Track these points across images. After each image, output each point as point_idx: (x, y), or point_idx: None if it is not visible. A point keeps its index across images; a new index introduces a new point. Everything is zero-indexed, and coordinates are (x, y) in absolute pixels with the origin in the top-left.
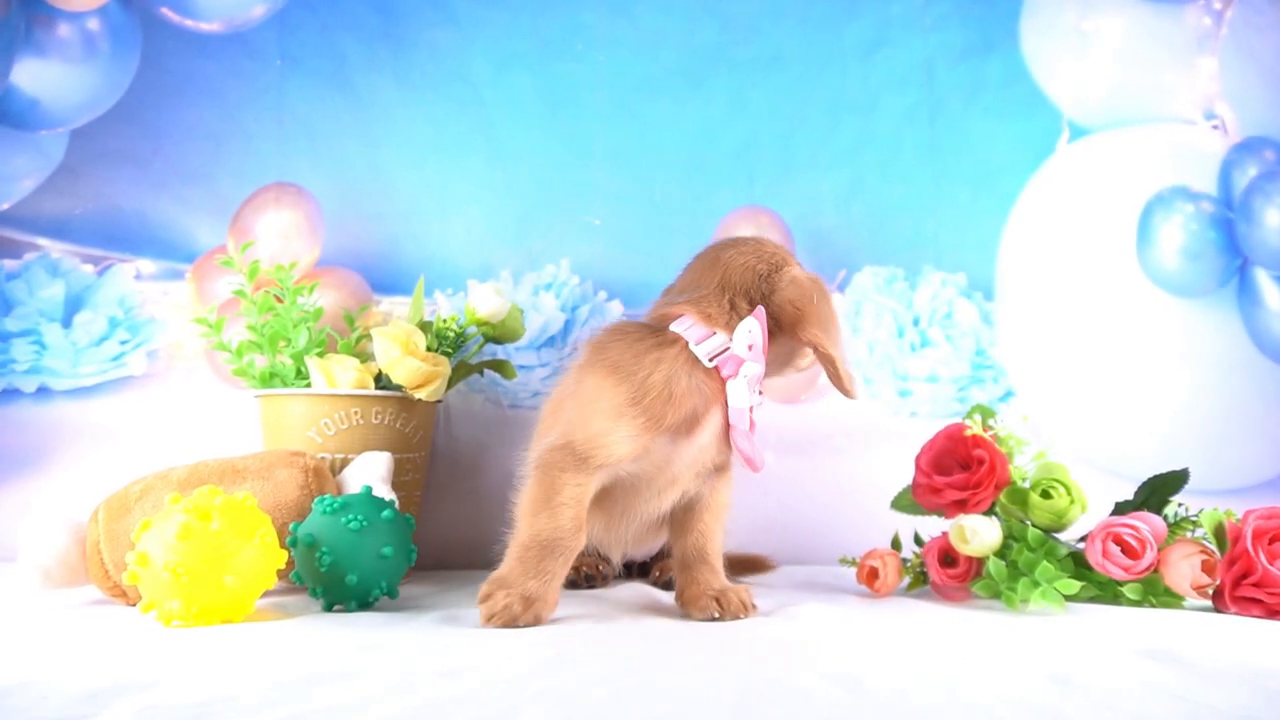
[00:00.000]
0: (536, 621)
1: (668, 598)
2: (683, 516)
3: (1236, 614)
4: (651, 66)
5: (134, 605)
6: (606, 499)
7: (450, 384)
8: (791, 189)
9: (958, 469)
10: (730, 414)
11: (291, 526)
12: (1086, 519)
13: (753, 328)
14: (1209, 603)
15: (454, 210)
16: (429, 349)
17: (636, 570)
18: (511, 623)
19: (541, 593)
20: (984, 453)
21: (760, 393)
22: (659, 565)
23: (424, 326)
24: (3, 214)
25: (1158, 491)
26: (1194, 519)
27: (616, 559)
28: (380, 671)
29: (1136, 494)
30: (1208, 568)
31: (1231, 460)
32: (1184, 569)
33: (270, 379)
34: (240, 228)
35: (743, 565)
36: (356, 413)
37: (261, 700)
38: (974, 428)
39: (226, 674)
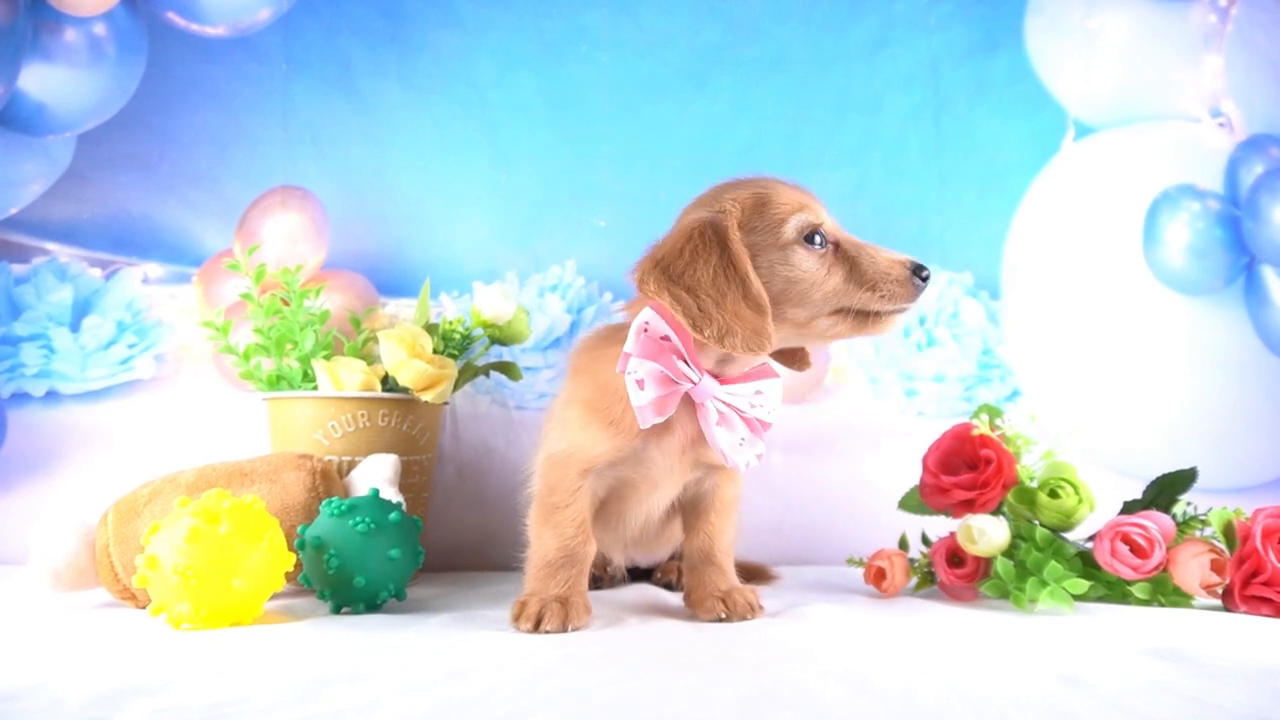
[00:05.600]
0: (567, 622)
1: (673, 598)
2: (692, 516)
3: (1246, 613)
4: (656, 68)
5: (143, 608)
6: (602, 506)
7: (456, 386)
8: None
9: (965, 469)
10: (699, 407)
11: (299, 529)
12: (1095, 518)
13: (650, 317)
14: (1218, 602)
15: (459, 212)
16: (435, 351)
17: (642, 573)
18: (542, 621)
19: (568, 597)
20: (991, 452)
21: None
22: (661, 567)
23: (430, 329)
24: (11, 219)
25: (1166, 490)
26: (1203, 518)
27: (618, 561)
28: (390, 673)
29: (1145, 493)
30: (1217, 566)
31: (1239, 458)
32: (1193, 568)
33: (277, 382)
34: (247, 231)
35: (742, 574)
36: (363, 415)
37: (272, 702)
38: (981, 427)
39: (236, 676)
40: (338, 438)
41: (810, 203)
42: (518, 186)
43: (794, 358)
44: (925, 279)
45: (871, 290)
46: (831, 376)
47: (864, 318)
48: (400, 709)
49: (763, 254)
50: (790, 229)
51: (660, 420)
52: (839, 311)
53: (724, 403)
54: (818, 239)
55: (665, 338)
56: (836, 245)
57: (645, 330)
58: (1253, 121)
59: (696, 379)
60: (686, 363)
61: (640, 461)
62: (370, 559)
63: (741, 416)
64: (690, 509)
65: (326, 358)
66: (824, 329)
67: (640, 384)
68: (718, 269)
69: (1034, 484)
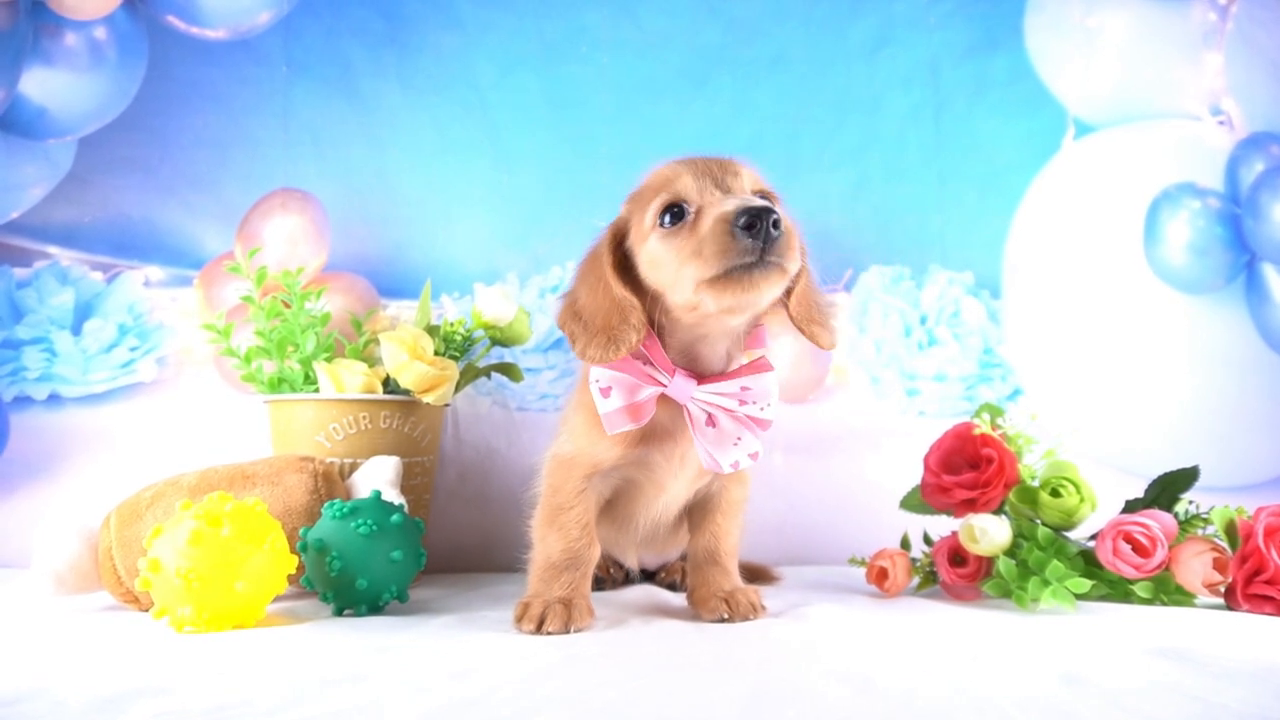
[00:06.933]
0: (569, 624)
1: (676, 599)
2: (698, 515)
3: (1249, 611)
4: (656, 68)
5: (146, 611)
6: (611, 507)
7: (458, 388)
8: (797, 189)
9: (966, 468)
10: (685, 410)
11: (301, 531)
12: (1096, 517)
13: None
14: (1221, 600)
15: (460, 214)
16: (436, 353)
17: (647, 574)
18: (545, 623)
19: (571, 598)
20: (993, 451)
21: (744, 395)
22: (665, 567)
23: (431, 330)
24: (12, 223)
25: (1168, 489)
26: (1205, 516)
27: (630, 563)
28: (392, 674)
29: (1147, 491)
30: (1219, 565)
31: (1241, 456)
32: (1195, 566)
33: (278, 384)
34: (247, 233)
35: (745, 575)
36: (365, 417)
37: (275, 704)
38: (982, 426)
39: (239, 679)
40: (339, 440)
41: (678, 175)
42: (518, 187)
43: (813, 335)
44: (749, 225)
45: (698, 256)
46: (832, 376)
47: (720, 283)
48: (402, 710)
49: (639, 248)
50: (650, 215)
51: (633, 427)
52: (700, 285)
53: (708, 403)
54: (686, 213)
55: None
56: (699, 212)
57: None
58: (1253, 119)
59: (666, 381)
60: (653, 365)
61: (645, 465)
62: (372, 561)
63: (733, 416)
64: (697, 509)
65: (328, 360)
66: (709, 307)
67: (606, 392)
68: (594, 283)
69: (1036, 483)
